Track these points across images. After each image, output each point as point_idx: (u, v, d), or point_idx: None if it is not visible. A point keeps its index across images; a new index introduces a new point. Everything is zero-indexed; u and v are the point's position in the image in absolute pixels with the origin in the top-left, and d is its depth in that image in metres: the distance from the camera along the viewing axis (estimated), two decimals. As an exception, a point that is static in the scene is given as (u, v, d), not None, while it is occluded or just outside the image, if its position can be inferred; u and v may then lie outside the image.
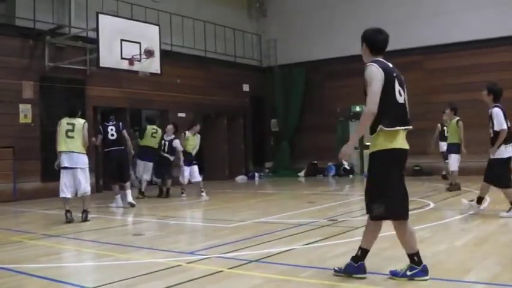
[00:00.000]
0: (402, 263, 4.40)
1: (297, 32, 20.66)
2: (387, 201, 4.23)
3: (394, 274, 4.35)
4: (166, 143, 12.97)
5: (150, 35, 13.95)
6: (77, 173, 8.66)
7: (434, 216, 7.94)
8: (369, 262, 4.95)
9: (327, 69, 19.94)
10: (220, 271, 4.84)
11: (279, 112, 20.87)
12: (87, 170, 8.85)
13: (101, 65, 12.95)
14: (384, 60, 4.37)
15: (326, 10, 20.02)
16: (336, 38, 19.57)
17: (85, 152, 8.85)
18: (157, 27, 14.44)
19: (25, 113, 13.63)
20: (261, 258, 5.32)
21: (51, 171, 13.46)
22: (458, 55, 17.28)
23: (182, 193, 12.62)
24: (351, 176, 19.00)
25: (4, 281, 4.87)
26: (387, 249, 5.53)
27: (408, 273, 4.27)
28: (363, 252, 4.43)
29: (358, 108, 19.56)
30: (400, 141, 4.29)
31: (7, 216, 10.47)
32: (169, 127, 13.14)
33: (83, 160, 8.76)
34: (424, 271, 4.26)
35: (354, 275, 4.39)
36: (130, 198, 10.87)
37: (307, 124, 20.30)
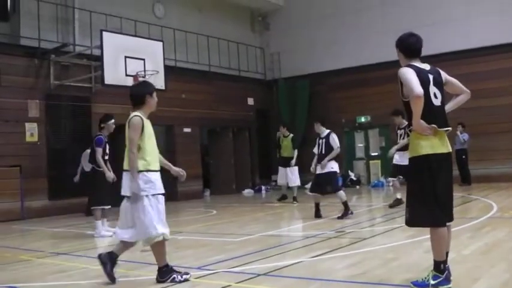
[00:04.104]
0: (411, 272, 4.39)
1: (300, 45, 20.75)
2: (411, 209, 4.26)
3: (416, 285, 4.20)
4: (323, 141, 10.40)
5: (154, 51, 14.07)
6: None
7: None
8: (377, 273, 4.94)
9: (331, 80, 19.98)
10: (229, 285, 4.83)
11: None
12: None
13: (106, 82, 13.05)
14: (419, 64, 4.33)
15: (328, 22, 20.10)
16: (340, 49, 19.67)
17: None
18: (161, 43, 14.56)
19: (31, 131, 13.73)
20: (269, 272, 5.32)
21: (58, 189, 13.72)
22: (460, 63, 17.20)
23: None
24: (357, 186, 18.94)
25: (13, 299, 4.89)
26: (395, 260, 5.53)
27: (432, 282, 4.13)
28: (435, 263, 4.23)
29: (363, 119, 19.62)
30: (434, 146, 4.17)
31: (15, 234, 10.51)
32: (319, 123, 10.67)
33: None
34: (448, 280, 4.18)
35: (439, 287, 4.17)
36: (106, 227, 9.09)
37: (313, 136, 20.17)
